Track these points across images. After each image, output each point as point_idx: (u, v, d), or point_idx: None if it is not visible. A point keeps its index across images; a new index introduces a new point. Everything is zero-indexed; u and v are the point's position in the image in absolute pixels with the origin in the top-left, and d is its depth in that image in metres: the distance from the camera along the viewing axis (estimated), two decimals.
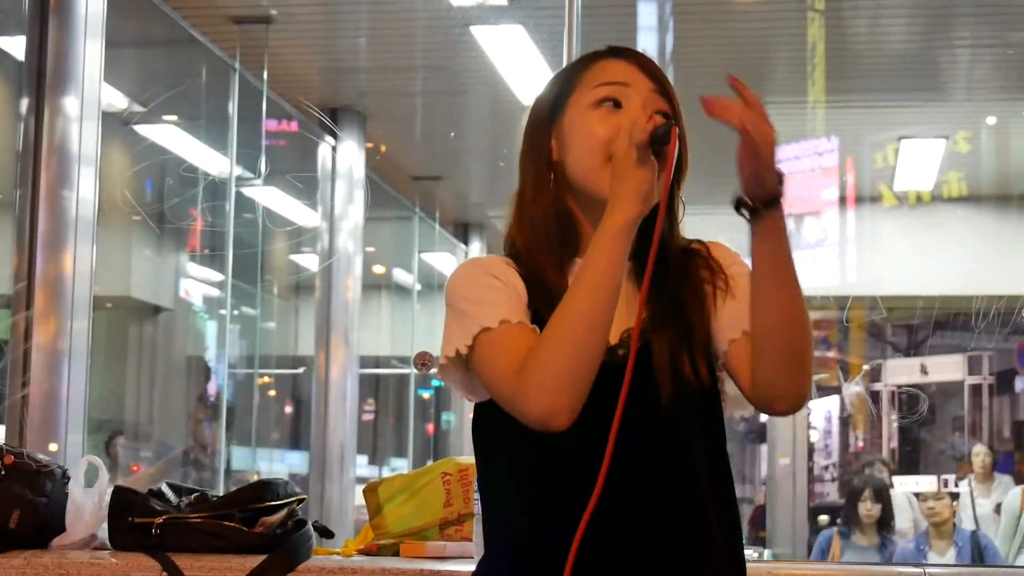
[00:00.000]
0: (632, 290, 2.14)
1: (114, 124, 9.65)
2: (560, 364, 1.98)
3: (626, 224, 2.02)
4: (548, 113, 2.26)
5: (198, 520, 3.50)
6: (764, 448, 18.31)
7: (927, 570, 3.27)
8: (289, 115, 10.59)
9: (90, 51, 7.11)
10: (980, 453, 10.41)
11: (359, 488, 6.97)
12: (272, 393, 14.76)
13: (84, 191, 7.01)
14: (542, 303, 2.12)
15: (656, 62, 2.35)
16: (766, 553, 11.86)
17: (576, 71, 2.26)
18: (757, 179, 2.05)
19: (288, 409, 16.25)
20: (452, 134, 11.96)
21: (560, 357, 1.98)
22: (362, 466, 15.15)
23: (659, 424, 2.09)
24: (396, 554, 3.70)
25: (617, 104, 2.18)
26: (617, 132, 2.09)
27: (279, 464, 14.76)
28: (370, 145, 11.46)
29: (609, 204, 2.05)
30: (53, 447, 6.61)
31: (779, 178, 2.08)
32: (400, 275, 15.38)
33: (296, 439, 15.41)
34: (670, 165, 2.06)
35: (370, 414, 17.08)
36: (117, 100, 9.71)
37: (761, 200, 2.07)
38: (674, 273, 2.17)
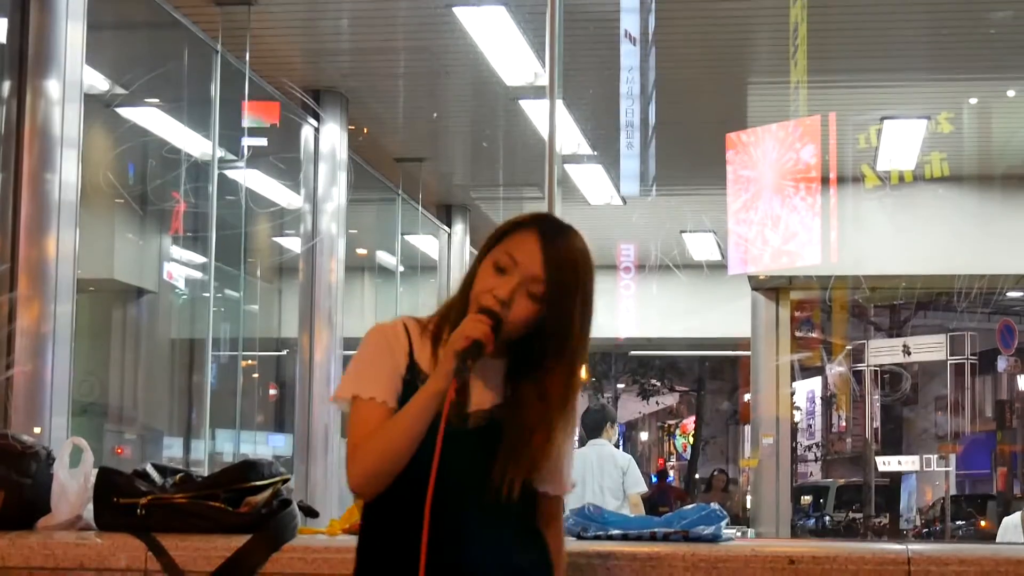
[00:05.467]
0: (498, 374, 2.85)
1: (96, 107, 9.63)
2: (368, 468, 2.78)
3: (435, 392, 2.72)
4: (484, 249, 2.87)
5: (183, 500, 3.50)
6: (747, 429, 18.37)
7: (910, 547, 3.29)
8: (272, 96, 10.57)
9: (72, 34, 7.10)
10: None
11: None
12: (256, 376, 14.75)
13: (67, 174, 7.01)
14: (414, 373, 2.84)
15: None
16: (750, 532, 11.89)
17: (505, 230, 2.85)
18: None
19: (272, 391, 16.24)
20: (435, 115, 11.94)
21: (369, 464, 2.78)
22: None
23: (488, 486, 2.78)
24: None
25: (504, 271, 2.80)
26: (487, 290, 2.80)
27: (263, 446, 14.75)
28: (352, 127, 11.44)
29: (432, 375, 2.78)
30: (37, 429, 6.62)
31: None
32: (383, 257, 15.36)
33: (280, 421, 15.42)
34: (451, 393, 2.73)
35: None
36: (99, 82, 9.68)
37: None
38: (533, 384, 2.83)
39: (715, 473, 20.59)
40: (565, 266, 2.82)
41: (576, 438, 3.01)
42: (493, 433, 2.81)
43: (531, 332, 2.82)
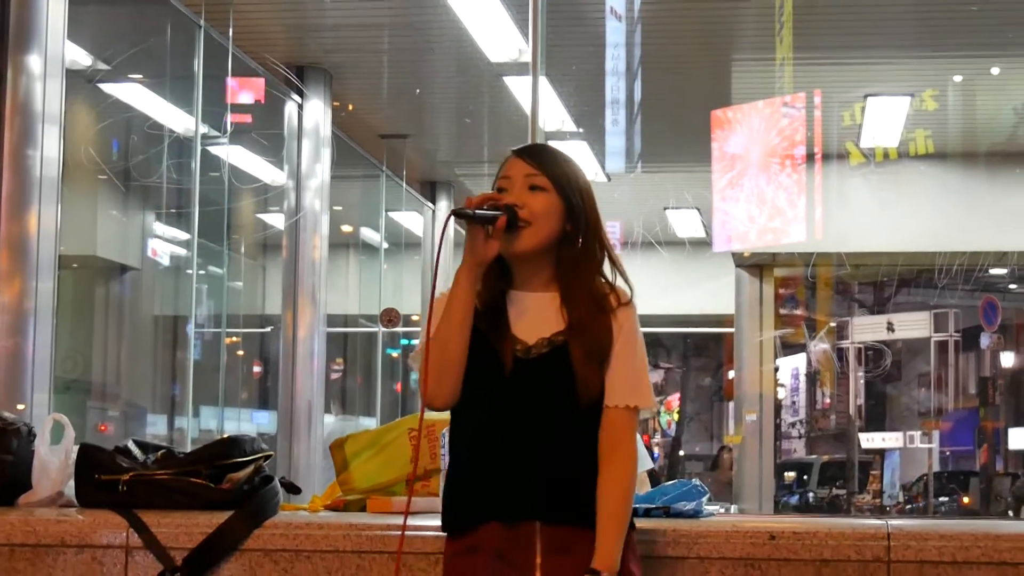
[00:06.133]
0: (555, 308, 3.03)
1: (78, 82, 9.59)
2: (430, 370, 2.95)
3: (465, 270, 2.94)
4: None
5: (165, 477, 3.50)
6: (731, 405, 18.38)
7: (890, 522, 3.30)
8: (255, 72, 10.54)
9: (53, 8, 7.06)
10: None
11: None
12: (240, 353, 14.73)
13: (48, 150, 6.98)
14: (480, 316, 3.02)
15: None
16: (732, 508, 11.92)
17: (500, 165, 3.10)
18: None
19: (256, 368, 16.22)
20: (418, 91, 11.92)
21: (431, 367, 2.95)
22: (331, 424, 15.13)
23: (569, 404, 2.97)
24: (363, 510, 3.71)
25: (502, 190, 3.03)
26: None
27: (247, 423, 14.74)
28: (336, 103, 11.42)
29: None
30: (20, 406, 6.61)
31: None
32: (367, 234, 15.34)
33: (264, 398, 15.40)
34: (443, 232, 3.05)
35: (338, 373, 17.08)
36: (81, 58, 9.64)
37: None
38: (588, 305, 3.02)
39: (723, 453, 20.51)
40: (551, 157, 3.08)
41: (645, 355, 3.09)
42: (559, 357, 2.99)
43: (564, 237, 3.03)
